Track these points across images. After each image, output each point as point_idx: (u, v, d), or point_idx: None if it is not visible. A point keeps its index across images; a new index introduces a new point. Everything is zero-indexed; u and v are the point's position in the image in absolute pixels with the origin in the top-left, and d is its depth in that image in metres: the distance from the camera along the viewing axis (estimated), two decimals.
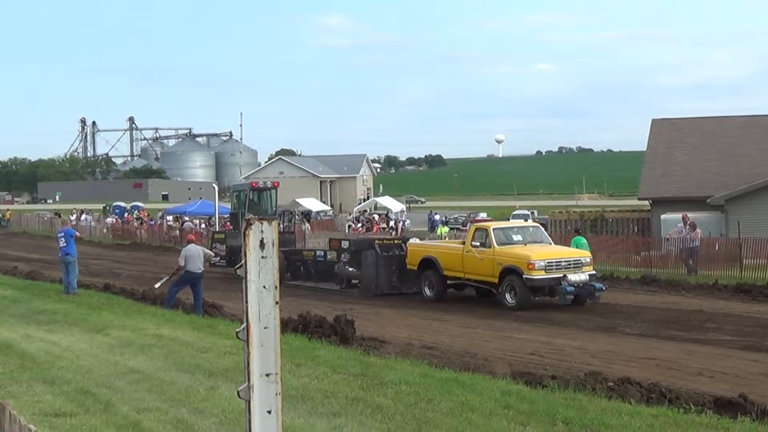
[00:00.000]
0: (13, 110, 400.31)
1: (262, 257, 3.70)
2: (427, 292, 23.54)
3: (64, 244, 22.24)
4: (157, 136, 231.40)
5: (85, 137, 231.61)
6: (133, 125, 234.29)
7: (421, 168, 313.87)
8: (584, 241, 26.11)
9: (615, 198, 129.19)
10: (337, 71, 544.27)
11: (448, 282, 23.36)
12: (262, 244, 3.70)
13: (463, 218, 65.86)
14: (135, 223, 63.86)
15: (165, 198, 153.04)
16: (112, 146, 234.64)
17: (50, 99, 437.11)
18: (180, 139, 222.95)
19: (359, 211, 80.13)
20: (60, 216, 73.47)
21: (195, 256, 20.00)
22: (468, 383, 10.60)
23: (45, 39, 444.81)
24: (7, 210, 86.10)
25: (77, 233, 24.83)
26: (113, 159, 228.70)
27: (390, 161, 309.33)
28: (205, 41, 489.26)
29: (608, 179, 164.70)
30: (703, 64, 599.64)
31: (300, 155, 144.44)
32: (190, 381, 10.42)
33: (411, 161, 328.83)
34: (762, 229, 31.64)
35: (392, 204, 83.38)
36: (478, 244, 22.35)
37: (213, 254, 26.68)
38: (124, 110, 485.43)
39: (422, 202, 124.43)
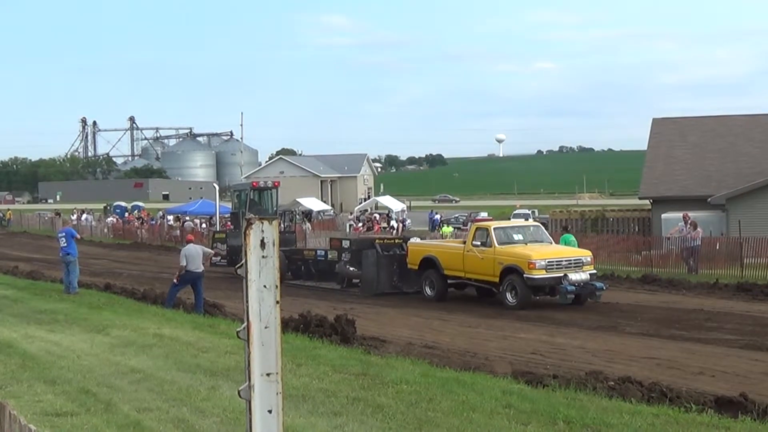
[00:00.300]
0: (13, 110, 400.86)
1: (263, 257, 3.69)
2: (428, 291, 23.54)
3: (65, 244, 22.23)
4: (158, 135, 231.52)
5: (86, 137, 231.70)
6: (134, 125, 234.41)
7: (421, 167, 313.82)
8: (572, 238, 26.12)
9: (616, 197, 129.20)
10: (338, 71, 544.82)
11: (449, 281, 23.36)
12: (262, 244, 3.70)
13: (464, 218, 65.79)
14: (136, 223, 63.86)
15: (166, 198, 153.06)
16: (113, 146, 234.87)
17: (51, 99, 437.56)
18: (181, 139, 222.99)
19: (360, 211, 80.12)
20: (60, 216, 73.49)
21: (194, 255, 20.00)
22: (469, 383, 10.60)
23: (45, 39, 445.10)
24: (8, 210, 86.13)
25: (78, 234, 24.74)
26: (114, 159, 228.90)
27: (391, 160, 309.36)
28: (206, 41, 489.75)
29: (609, 178, 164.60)
30: (704, 63, 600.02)
31: (301, 155, 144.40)
32: (191, 380, 10.41)
33: (412, 160, 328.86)
34: (763, 228, 31.63)
35: (393, 203, 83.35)
36: (478, 243, 22.34)
37: (213, 252, 26.67)
38: (125, 110, 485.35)
39: (456, 201, 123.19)
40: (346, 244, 26.98)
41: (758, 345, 15.12)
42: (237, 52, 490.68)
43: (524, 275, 20.94)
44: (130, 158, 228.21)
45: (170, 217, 67.00)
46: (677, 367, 13.21)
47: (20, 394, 9.71)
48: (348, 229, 59.75)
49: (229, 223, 37.62)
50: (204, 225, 56.95)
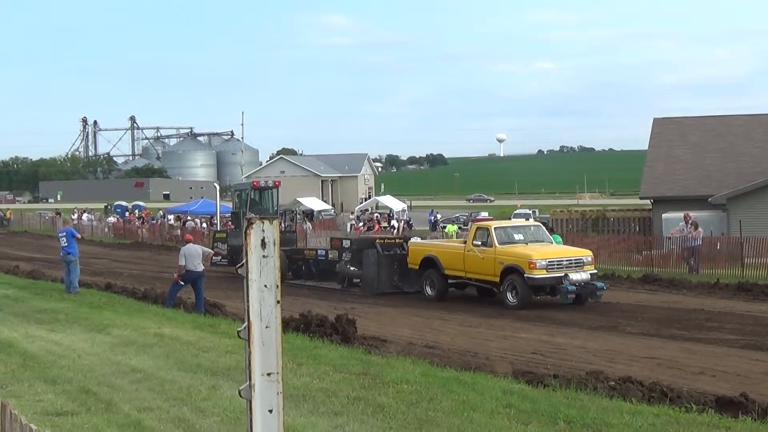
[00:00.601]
0: (14, 109, 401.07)
1: (264, 256, 3.69)
2: (429, 291, 23.53)
3: (66, 244, 22.24)
4: (159, 135, 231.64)
5: (87, 136, 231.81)
6: (135, 124, 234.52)
7: (422, 167, 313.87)
8: (559, 238, 26.10)
9: (616, 197, 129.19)
10: (338, 70, 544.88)
11: (450, 281, 23.36)
12: (263, 244, 3.70)
13: (465, 217, 65.78)
14: (136, 223, 63.89)
15: (166, 197, 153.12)
16: (114, 145, 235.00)
17: (52, 98, 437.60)
18: (181, 139, 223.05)
19: (361, 210, 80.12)
20: (61, 215, 73.50)
21: (194, 254, 20.00)
22: (469, 382, 10.60)
23: (46, 38, 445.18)
24: (8, 209, 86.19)
25: (78, 234, 24.75)
26: (114, 158, 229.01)
27: (391, 160, 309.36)
28: (206, 40, 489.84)
29: (610, 178, 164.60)
30: (705, 63, 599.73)
31: (301, 154, 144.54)
32: (192, 380, 10.41)
33: (412, 160, 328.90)
34: (764, 228, 31.63)
35: (394, 203, 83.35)
36: (479, 243, 22.35)
37: (212, 252, 26.67)
38: (126, 109, 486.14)
39: (491, 201, 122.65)
40: (346, 243, 26.98)
41: (759, 345, 15.11)
42: (237, 51, 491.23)
43: (525, 275, 20.94)
44: (130, 158, 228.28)
45: (171, 217, 67.04)
46: (678, 367, 13.20)
47: (21, 393, 9.72)
48: (349, 229, 59.75)
49: (229, 222, 37.62)
50: (204, 225, 56.98)
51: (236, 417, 8.31)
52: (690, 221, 29.90)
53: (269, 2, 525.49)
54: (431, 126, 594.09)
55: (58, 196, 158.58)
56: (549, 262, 21.05)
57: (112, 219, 68.50)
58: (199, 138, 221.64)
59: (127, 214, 76.83)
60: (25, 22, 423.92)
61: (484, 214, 63.45)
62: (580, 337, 16.63)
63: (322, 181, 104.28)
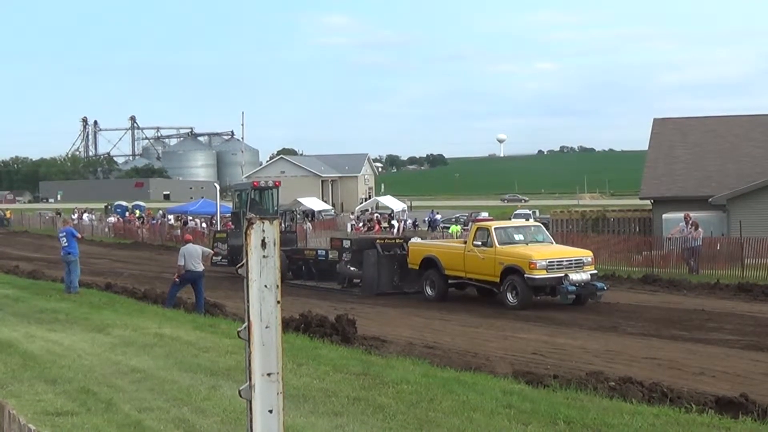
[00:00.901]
0: (14, 109, 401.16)
1: (264, 256, 3.69)
2: (429, 291, 23.53)
3: (66, 244, 22.24)
4: (159, 135, 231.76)
5: (87, 136, 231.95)
6: (135, 124, 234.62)
7: (422, 167, 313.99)
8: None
9: (617, 197, 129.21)
10: (339, 70, 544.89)
11: (450, 281, 23.35)
12: (263, 244, 3.69)
13: (465, 218, 65.83)
14: (137, 223, 63.93)
15: (167, 197, 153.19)
16: (114, 145, 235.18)
17: (52, 98, 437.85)
18: (181, 139, 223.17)
19: (361, 211, 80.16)
20: (61, 215, 73.54)
21: (193, 254, 20.00)
22: (469, 383, 10.59)
23: (46, 38, 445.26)
24: (8, 209, 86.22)
25: (79, 234, 24.74)
26: (115, 158, 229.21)
27: (392, 160, 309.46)
28: (206, 41, 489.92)
29: (610, 178, 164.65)
30: (705, 63, 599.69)
31: (301, 154, 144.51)
32: (192, 380, 10.41)
33: (413, 160, 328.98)
34: (764, 228, 31.62)
35: (394, 203, 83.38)
36: (479, 243, 22.35)
37: (212, 252, 26.66)
38: (126, 109, 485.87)
39: (525, 201, 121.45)
40: (346, 244, 26.97)
41: (759, 345, 15.11)
42: (238, 51, 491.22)
43: (525, 275, 20.94)
44: (131, 158, 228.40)
45: (171, 217, 67.08)
46: (678, 368, 13.20)
47: (21, 393, 9.72)
48: (349, 229, 59.79)
49: (230, 222, 37.59)
50: (204, 225, 57.02)
51: (236, 417, 8.31)
52: (690, 222, 29.90)
53: (269, 2, 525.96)
54: (431, 126, 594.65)
55: (59, 196, 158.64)
56: (549, 262, 21.05)
57: (112, 219, 68.55)
58: (199, 138, 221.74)
59: (127, 214, 76.88)
60: (26, 22, 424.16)
61: (485, 215, 63.47)
62: (580, 337, 16.63)
63: (322, 182, 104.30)
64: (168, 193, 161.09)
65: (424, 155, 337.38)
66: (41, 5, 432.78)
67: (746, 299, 22.02)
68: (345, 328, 15.11)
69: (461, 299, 23.23)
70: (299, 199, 77.01)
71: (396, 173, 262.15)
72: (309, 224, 54.20)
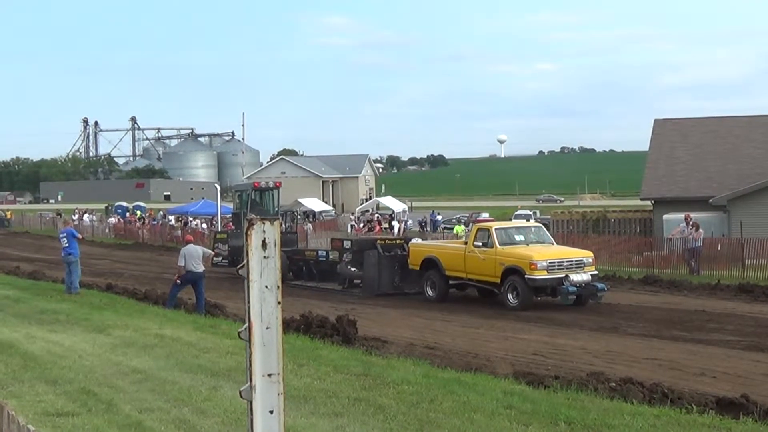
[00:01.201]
0: (15, 110, 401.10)
1: (265, 257, 3.69)
2: (429, 292, 23.54)
3: (67, 244, 22.25)
4: (160, 136, 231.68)
5: (88, 137, 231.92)
6: (136, 125, 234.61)
7: (423, 168, 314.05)
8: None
9: (617, 198, 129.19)
10: (339, 71, 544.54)
11: (450, 282, 23.36)
12: (264, 244, 3.69)
13: (465, 218, 65.83)
14: (137, 223, 63.95)
15: (167, 198, 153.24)
16: (115, 146, 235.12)
17: (52, 99, 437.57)
18: (182, 139, 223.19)
19: (361, 211, 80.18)
20: (62, 216, 73.57)
21: (194, 255, 20.01)
22: (470, 383, 10.60)
23: (47, 39, 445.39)
24: (8, 210, 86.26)
25: (79, 234, 24.77)
26: (115, 159, 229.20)
27: (392, 161, 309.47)
28: (207, 41, 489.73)
29: (610, 179, 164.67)
30: (705, 63, 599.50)
31: (302, 155, 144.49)
32: (192, 381, 10.41)
33: (413, 161, 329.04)
34: (764, 229, 31.63)
35: (394, 204, 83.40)
36: (480, 244, 22.35)
37: (212, 253, 26.66)
38: (127, 110, 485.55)
39: (560, 201, 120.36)
40: (347, 244, 26.97)
41: (760, 346, 15.11)
42: (238, 52, 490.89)
43: (525, 276, 20.94)
44: (131, 158, 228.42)
45: (171, 218, 67.11)
46: (678, 368, 13.20)
47: (22, 394, 9.72)
48: (349, 230, 59.80)
49: (230, 223, 37.60)
50: (204, 225, 57.03)
51: (237, 418, 8.31)
52: (691, 222, 29.90)
53: (269, 2, 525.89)
54: (432, 127, 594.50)
55: (59, 197, 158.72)
56: (550, 263, 21.05)
57: (113, 220, 68.58)
58: (200, 139, 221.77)
59: (127, 214, 76.92)
60: (26, 22, 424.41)
61: (485, 215, 63.48)
62: (581, 338, 16.63)
63: (322, 182, 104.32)
64: (168, 193, 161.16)
65: (425, 156, 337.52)
66: (41, 5, 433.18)
67: (747, 300, 22.02)
68: (346, 328, 15.11)
69: (462, 300, 23.24)
70: (300, 200, 77.04)
71: (396, 174, 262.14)
72: (309, 225, 54.22)
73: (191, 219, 63.57)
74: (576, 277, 20.95)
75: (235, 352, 12.17)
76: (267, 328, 3.69)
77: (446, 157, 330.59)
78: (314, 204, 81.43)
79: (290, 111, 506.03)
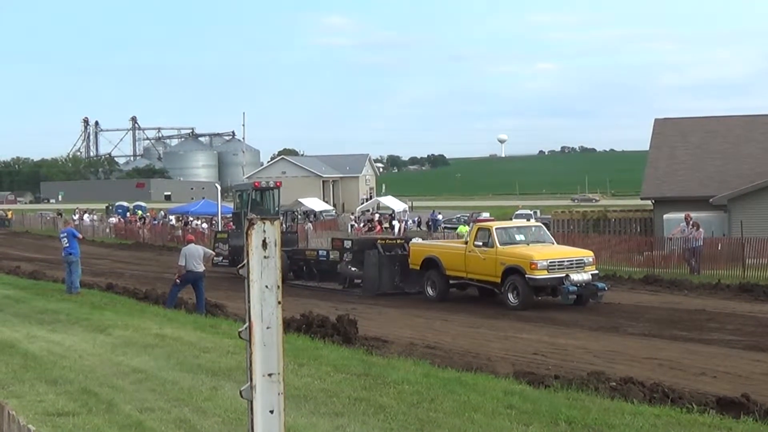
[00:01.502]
0: (15, 110, 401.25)
1: (265, 257, 3.69)
2: (430, 291, 23.54)
3: (67, 244, 22.27)
4: (160, 135, 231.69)
5: (88, 137, 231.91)
6: (136, 125, 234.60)
7: (423, 168, 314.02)
8: None
9: (618, 197, 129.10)
10: (339, 71, 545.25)
11: (451, 282, 23.35)
12: (264, 244, 3.69)
13: (466, 218, 65.79)
14: (138, 223, 63.95)
15: (168, 198, 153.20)
16: (115, 146, 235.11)
17: (53, 99, 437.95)
18: (183, 139, 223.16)
19: (362, 211, 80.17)
20: (62, 215, 73.57)
21: (194, 255, 20.00)
22: (471, 383, 10.59)
23: (47, 39, 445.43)
24: (9, 210, 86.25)
25: (80, 234, 24.77)
26: (116, 159, 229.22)
27: (393, 161, 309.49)
28: (207, 41, 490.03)
29: (611, 179, 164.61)
30: (706, 63, 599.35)
31: (302, 155, 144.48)
32: (193, 381, 10.41)
33: (414, 161, 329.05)
34: (765, 228, 31.63)
35: (395, 204, 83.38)
36: (480, 243, 22.34)
37: (213, 254, 26.66)
38: (127, 110, 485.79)
39: (596, 201, 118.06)
40: (347, 244, 26.96)
41: (760, 346, 15.10)
42: (239, 52, 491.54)
43: (526, 276, 20.93)
44: (132, 158, 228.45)
45: (172, 218, 67.11)
46: (679, 368, 13.19)
47: (22, 393, 9.72)
48: (350, 230, 59.79)
49: (230, 223, 37.56)
50: (204, 225, 57.02)
51: (237, 417, 8.31)
52: (691, 222, 29.89)
53: (270, 3, 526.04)
54: (432, 127, 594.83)
55: (60, 197, 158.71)
56: (550, 262, 21.05)
57: (113, 219, 68.58)
58: (200, 138, 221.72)
59: (128, 214, 76.92)
60: (26, 23, 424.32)
61: (485, 215, 63.48)
62: (582, 337, 16.63)
63: (323, 182, 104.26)
64: (169, 193, 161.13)
65: (425, 155, 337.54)
66: (41, 5, 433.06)
67: (747, 299, 22.00)
68: (346, 328, 15.10)
69: (462, 299, 23.23)
70: (300, 200, 77.04)
71: (397, 173, 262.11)
72: (310, 225, 54.20)
73: (191, 219, 63.56)
74: (576, 276, 20.94)
75: (236, 352, 12.17)
76: (267, 327, 3.69)
77: (447, 157, 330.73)
78: (314, 204, 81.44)
79: (290, 111, 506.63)
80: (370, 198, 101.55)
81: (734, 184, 38.52)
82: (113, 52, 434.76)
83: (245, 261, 3.69)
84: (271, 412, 3.68)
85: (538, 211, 67.73)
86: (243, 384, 3.72)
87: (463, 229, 50.56)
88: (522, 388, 10.56)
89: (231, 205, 47.79)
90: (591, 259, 21.85)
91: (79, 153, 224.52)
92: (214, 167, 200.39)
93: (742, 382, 12.01)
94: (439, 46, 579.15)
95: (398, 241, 27.21)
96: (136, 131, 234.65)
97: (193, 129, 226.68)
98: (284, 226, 32.85)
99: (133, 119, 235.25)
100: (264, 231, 3.70)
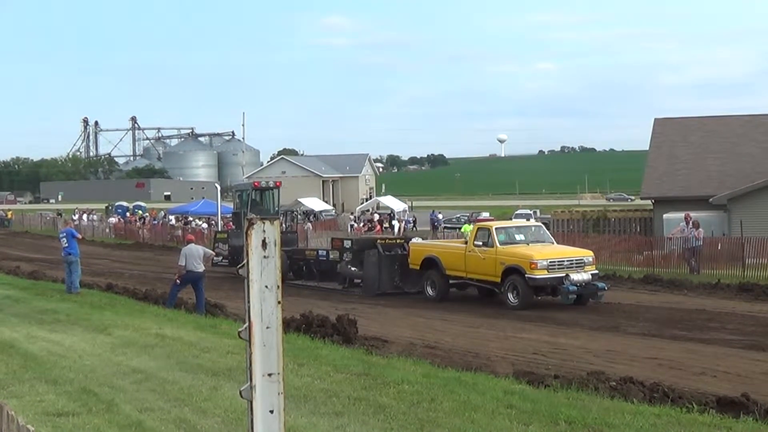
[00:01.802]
0: (15, 110, 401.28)
1: (265, 257, 3.69)
2: (430, 291, 23.53)
3: (66, 244, 22.28)
4: (160, 135, 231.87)
5: (88, 137, 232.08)
6: (136, 125, 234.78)
7: (423, 167, 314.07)
8: None
9: (616, 199, 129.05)
10: (339, 71, 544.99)
11: (451, 281, 23.35)
12: (264, 244, 3.69)
13: (466, 218, 65.78)
14: (137, 223, 63.93)
15: (167, 198, 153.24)
16: (115, 146, 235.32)
17: (53, 99, 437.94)
18: (182, 139, 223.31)
19: (361, 211, 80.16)
20: (62, 216, 73.56)
21: (195, 255, 20.01)
22: (470, 383, 10.59)
23: (47, 39, 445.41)
24: (9, 210, 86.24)
25: (79, 234, 24.77)
26: (116, 159, 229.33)
27: (392, 161, 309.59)
28: (207, 41, 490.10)
29: (611, 178, 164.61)
30: (706, 63, 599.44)
31: (302, 155, 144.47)
32: (193, 381, 10.42)
33: (413, 161, 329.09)
34: (764, 228, 31.60)
35: (395, 203, 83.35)
36: (480, 243, 22.34)
37: (213, 254, 26.66)
38: (127, 110, 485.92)
39: (632, 200, 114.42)
40: (347, 244, 26.95)
41: (760, 345, 15.10)
42: (238, 52, 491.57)
43: (526, 275, 20.93)
44: (131, 158, 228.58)
45: (172, 218, 67.09)
46: (679, 368, 13.19)
47: (22, 394, 9.72)
48: (349, 229, 59.77)
49: (230, 223, 37.55)
50: (204, 225, 57.01)
51: (237, 417, 8.31)
52: (691, 222, 29.89)
53: (270, 3, 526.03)
54: (432, 126, 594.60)
55: (59, 197, 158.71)
56: (550, 262, 21.04)
57: (113, 219, 68.57)
58: (200, 138, 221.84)
59: (127, 214, 76.91)
60: (26, 23, 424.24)
61: (485, 215, 63.47)
62: (581, 337, 16.62)
63: (323, 182, 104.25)
64: (169, 193, 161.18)
65: (425, 155, 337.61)
66: (42, 5, 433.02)
67: (747, 299, 22.00)
68: (346, 328, 15.10)
69: (462, 299, 23.23)
70: (300, 200, 77.01)
71: (397, 173, 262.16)
72: (309, 224, 54.19)
73: (190, 218, 63.55)
74: (576, 276, 20.94)
75: (236, 352, 12.17)
76: (267, 327, 3.69)
77: (446, 157, 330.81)
78: (314, 203, 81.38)
79: (290, 111, 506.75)
80: (370, 198, 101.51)
81: (734, 183, 38.50)
82: (113, 52, 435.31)
83: (245, 261, 3.68)
84: (271, 412, 3.68)
85: (538, 211, 67.70)
86: (243, 384, 3.72)
87: (467, 228, 50.59)
88: (522, 387, 10.56)
89: (231, 205, 47.81)
90: (591, 259, 21.85)
91: (78, 153, 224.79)
92: (213, 167, 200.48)
93: (742, 381, 12.01)
94: (439, 46, 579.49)
95: (398, 241, 27.21)
96: (136, 131, 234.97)
97: (192, 129, 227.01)
98: (284, 226, 32.86)
99: (133, 119, 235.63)
100: (264, 231, 3.70)
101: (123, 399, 9.41)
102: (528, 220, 45.14)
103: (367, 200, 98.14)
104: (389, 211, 74.85)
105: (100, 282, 25.40)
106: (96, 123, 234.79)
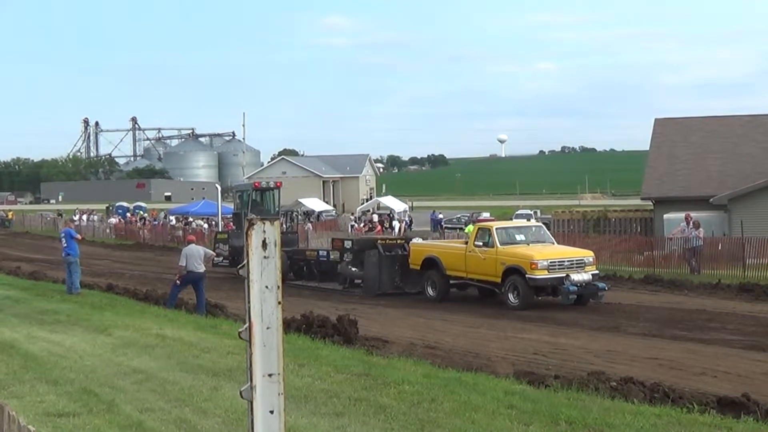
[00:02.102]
0: (16, 110, 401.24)
1: (265, 257, 3.69)
2: (430, 291, 23.53)
3: (65, 245, 22.29)
4: (160, 136, 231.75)
5: (88, 137, 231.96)
6: (136, 125, 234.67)
7: (423, 168, 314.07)
8: None
9: (618, 197, 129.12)
10: (339, 71, 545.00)
11: (451, 282, 23.35)
12: (264, 244, 3.69)
13: (466, 218, 65.75)
14: (138, 224, 63.94)
15: (168, 198, 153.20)
16: (115, 146, 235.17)
17: (53, 99, 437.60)
18: (183, 140, 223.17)
19: (362, 211, 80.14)
20: (62, 216, 73.58)
21: (195, 255, 20.01)
22: (471, 383, 10.59)
23: (47, 39, 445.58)
24: (9, 211, 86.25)
25: (78, 235, 24.77)
26: (116, 159, 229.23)
27: (393, 161, 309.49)
28: (207, 41, 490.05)
29: (611, 179, 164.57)
30: (706, 63, 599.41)
31: (303, 155, 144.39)
32: (193, 381, 10.42)
33: (414, 161, 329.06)
34: (765, 228, 31.60)
35: (395, 204, 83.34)
36: (480, 243, 22.35)
37: (214, 254, 26.65)
38: (127, 110, 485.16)
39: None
40: (348, 244, 26.95)
41: (760, 345, 15.10)
42: (239, 52, 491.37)
43: (526, 275, 20.93)
44: (132, 159, 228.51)
45: (172, 218, 67.11)
46: (679, 368, 13.19)
47: (22, 394, 9.73)
48: (350, 230, 59.75)
49: (231, 223, 37.55)
50: (205, 225, 57.02)
51: (237, 418, 8.31)
52: (691, 222, 29.89)
53: (270, 3, 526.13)
54: (432, 127, 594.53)
55: (60, 197, 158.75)
56: (550, 262, 21.05)
57: (113, 220, 68.59)
58: (200, 139, 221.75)
59: (128, 215, 76.92)
60: (26, 23, 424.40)
61: (486, 215, 63.45)
62: (582, 337, 16.63)
63: (323, 182, 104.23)
64: (169, 194, 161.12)
65: (426, 156, 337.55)
66: (42, 5, 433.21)
67: (748, 299, 22.00)
68: (346, 328, 15.10)
69: (462, 300, 23.23)
70: (300, 200, 76.98)
71: (397, 174, 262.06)
72: (310, 225, 54.18)
73: (191, 219, 63.55)
74: (577, 276, 20.95)
75: (236, 352, 12.17)
76: (267, 328, 3.69)
77: (447, 157, 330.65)
78: (315, 204, 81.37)
79: (290, 111, 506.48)
80: (371, 198, 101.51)
81: (735, 184, 38.51)
82: (113, 52, 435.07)
83: (245, 261, 3.69)
84: (272, 412, 3.68)
85: (539, 211, 67.69)
86: (243, 384, 3.72)
87: (470, 229, 50.53)
88: (522, 388, 10.57)
89: (231, 206, 47.79)
90: (591, 259, 21.85)
91: (79, 153, 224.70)
92: (214, 167, 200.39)
93: (742, 381, 12.01)
94: (439, 46, 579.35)
95: (398, 241, 27.21)
96: (137, 132, 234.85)
97: (193, 129, 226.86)
98: (284, 226, 32.85)
99: (134, 119, 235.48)
100: (264, 231, 3.70)
101: (123, 399, 9.41)
102: (528, 220, 45.14)
103: (367, 201, 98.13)
104: (388, 212, 74.86)
105: (101, 282, 25.41)
106: (96, 123, 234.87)
